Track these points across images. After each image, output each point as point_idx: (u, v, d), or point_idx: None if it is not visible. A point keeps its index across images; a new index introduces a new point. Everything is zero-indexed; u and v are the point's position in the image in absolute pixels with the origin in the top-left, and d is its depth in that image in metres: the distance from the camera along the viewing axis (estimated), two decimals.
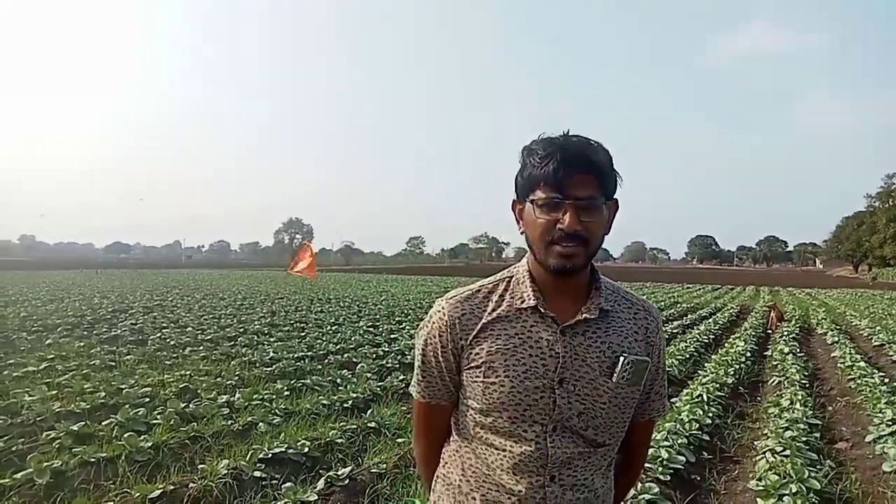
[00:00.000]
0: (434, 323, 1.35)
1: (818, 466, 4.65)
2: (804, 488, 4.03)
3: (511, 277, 1.35)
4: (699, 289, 34.49)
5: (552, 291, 1.29)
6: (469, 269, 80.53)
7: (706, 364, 8.88)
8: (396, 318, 14.37)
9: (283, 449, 4.50)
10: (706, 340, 11.39)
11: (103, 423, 5.00)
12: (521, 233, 1.29)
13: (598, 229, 1.23)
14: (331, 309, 16.46)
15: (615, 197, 1.28)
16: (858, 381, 7.65)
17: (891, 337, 12.08)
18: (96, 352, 8.65)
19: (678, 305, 20.67)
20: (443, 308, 1.34)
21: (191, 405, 5.68)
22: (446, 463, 1.41)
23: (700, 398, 6.43)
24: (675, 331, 12.96)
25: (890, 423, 5.57)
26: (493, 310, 1.31)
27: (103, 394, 5.96)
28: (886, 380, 7.77)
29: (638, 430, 1.44)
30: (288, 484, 3.95)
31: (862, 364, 8.74)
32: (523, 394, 1.25)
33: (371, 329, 12.25)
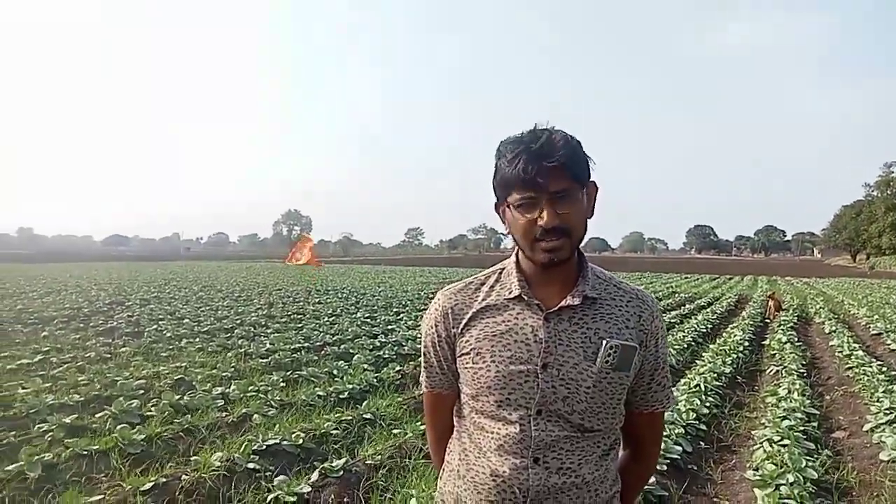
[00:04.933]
0: (432, 314, 1.43)
1: (815, 456, 4.63)
2: (801, 478, 4.01)
3: (503, 269, 1.41)
4: (697, 279, 34.48)
5: (539, 281, 1.34)
6: (467, 259, 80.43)
7: (704, 354, 8.86)
8: (394, 310, 14.34)
9: (278, 440, 4.46)
10: (704, 330, 11.36)
11: (97, 416, 4.97)
12: (508, 233, 1.34)
13: (577, 219, 1.28)
14: (328, 300, 16.42)
15: (592, 180, 1.32)
16: (856, 370, 7.62)
17: (888, 326, 12.06)
18: (92, 344, 8.62)
19: (676, 295, 20.64)
20: (439, 300, 1.43)
21: (185, 397, 5.64)
22: (451, 450, 1.47)
23: (698, 388, 6.40)
24: (673, 320, 12.94)
25: (888, 412, 5.55)
26: (484, 299, 1.37)
27: (98, 386, 5.93)
28: (884, 369, 7.73)
29: (642, 422, 1.44)
30: (281, 476, 3.92)
31: (860, 353, 8.72)
32: (508, 378, 1.30)
33: (368, 320, 12.22)
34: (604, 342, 1.29)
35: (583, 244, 1.35)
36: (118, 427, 4.54)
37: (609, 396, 1.31)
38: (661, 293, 21.37)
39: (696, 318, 13.07)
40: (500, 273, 1.40)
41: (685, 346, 9.34)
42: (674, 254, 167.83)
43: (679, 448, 4.64)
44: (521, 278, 1.34)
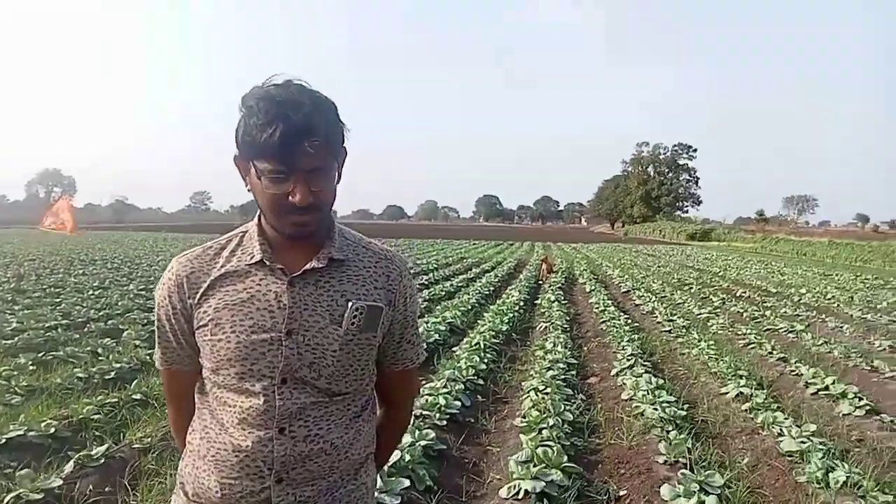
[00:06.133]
0: (165, 284, 1.30)
1: (573, 400, 5.24)
2: (560, 421, 4.50)
3: (245, 233, 1.32)
4: (484, 245, 36.93)
5: (283, 245, 1.27)
6: None
7: (486, 314, 9.51)
8: None
9: (22, 432, 3.88)
10: (487, 292, 12.21)
11: None
12: (248, 190, 1.22)
13: (329, 193, 1.22)
14: (95, 271, 14.71)
15: (343, 146, 1.25)
16: (608, 323, 8.77)
17: (635, 284, 14.04)
18: None
19: (464, 260, 21.90)
20: (172, 267, 1.31)
21: None
22: (192, 429, 1.35)
23: (478, 346, 6.86)
24: (460, 284, 13.70)
25: (629, 358, 6.47)
26: (223, 266, 1.28)
27: None
28: (629, 321, 9.01)
29: (394, 380, 1.44)
30: (26, 471, 3.43)
31: (612, 308, 10.04)
32: (250, 348, 1.23)
33: (143, 292, 11.16)
34: (349, 304, 1.26)
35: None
36: None
37: (356, 359, 1.29)
38: (451, 258, 22.51)
39: (480, 282, 13.99)
40: (242, 237, 1.31)
41: (469, 307, 9.95)
42: (464, 221, 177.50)
43: (458, 403, 4.94)
44: (263, 242, 1.26)
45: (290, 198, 1.15)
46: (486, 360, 6.42)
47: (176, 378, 1.38)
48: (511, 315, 9.23)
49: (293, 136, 1.11)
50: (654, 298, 11.58)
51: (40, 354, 6.09)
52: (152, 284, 12.33)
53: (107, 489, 3.41)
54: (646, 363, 6.33)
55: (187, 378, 1.36)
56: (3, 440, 3.75)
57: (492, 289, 12.94)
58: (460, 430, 4.63)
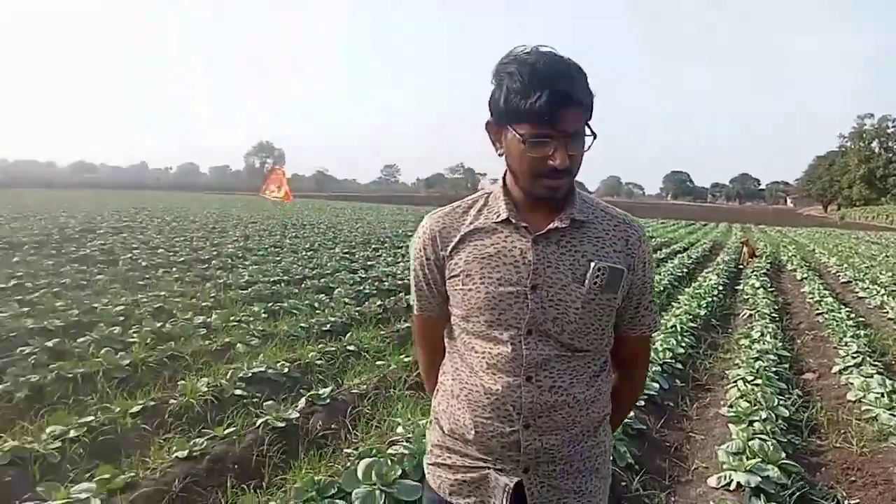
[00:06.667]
0: (420, 238, 1.42)
1: (786, 395, 4.81)
2: (773, 415, 4.17)
3: (489, 194, 1.40)
4: (673, 224, 34.95)
5: (527, 205, 1.33)
6: (445, 199, 79.48)
7: (680, 296, 9.02)
8: (373, 246, 14.30)
9: (263, 369, 4.49)
10: (680, 274, 11.56)
11: (79, 341, 4.91)
12: (500, 154, 1.31)
13: (580, 158, 1.26)
14: (305, 235, 16.32)
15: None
16: (826, 316, 7.87)
17: (857, 274, 12.41)
18: (66, 271, 8.46)
19: (653, 240, 20.92)
20: (426, 223, 1.43)
21: (167, 325, 5.60)
22: (444, 371, 1.47)
23: (674, 328, 6.54)
24: None
25: (855, 355, 5.76)
26: (471, 223, 1.37)
27: (76, 312, 5.85)
28: (852, 315, 8.01)
29: (631, 346, 1.46)
30: (269, 402, 3.95)
31: (829, 300, 8.98)
32: (498, 299, 1.30)
33: (347, 255, 12.20)
34: (592, 264, 1.30)
35: None
36: (102, 351, 4.50)
37: (598, 318, 1.33)
38: None
39: (672, 263, 13.28)
40: (487, 197, 1.39)
41: (662, 288, 9.50)
42: (650, 199, 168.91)
43: (656, 385, 4.77)
44: (508, 202, 1.33)
45: (550, 161, 1.21)
46: (683, 345, 6.11)
47: (428, 324, 1.50)
48: (709, 299, 8.66)
49: (558, 102, 1.17)
50: (883, 292, 10.13)
51: (269, 304, 6.93)
52: (355, 249, 13.45)
53: (332, 426, 3.82)
54: (876, 363, 5.58)
55: (438, 324, 1.48)
56: (250, 374, 4.35)
57: (685, 270, 12.23)
58: (659, 412, 4.47)
